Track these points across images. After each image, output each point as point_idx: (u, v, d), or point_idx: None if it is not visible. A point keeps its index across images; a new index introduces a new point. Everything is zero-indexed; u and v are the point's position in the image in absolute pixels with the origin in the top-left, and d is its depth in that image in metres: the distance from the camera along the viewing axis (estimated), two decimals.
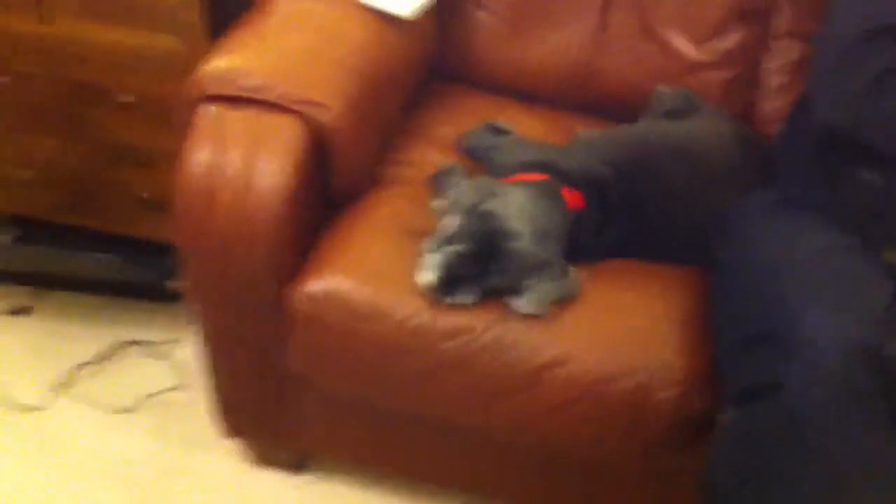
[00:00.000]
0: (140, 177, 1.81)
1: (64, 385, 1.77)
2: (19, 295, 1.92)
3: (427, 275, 1.30)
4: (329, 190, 1.44)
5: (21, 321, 1.89)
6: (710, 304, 1.33)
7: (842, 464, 1.10)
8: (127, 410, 1.73)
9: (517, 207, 1.32)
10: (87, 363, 1.81)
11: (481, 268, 1.29)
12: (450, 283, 1.29)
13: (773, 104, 1.63)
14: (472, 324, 1.30)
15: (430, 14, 1.69)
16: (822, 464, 1.10)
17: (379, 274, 1.35)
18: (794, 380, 1.10)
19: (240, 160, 1.33)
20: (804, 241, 1.24)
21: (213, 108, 1.36)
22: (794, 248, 1.23)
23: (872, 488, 1.09)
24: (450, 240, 1.30)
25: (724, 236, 1.35)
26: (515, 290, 1.30)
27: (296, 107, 1.35)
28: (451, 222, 1.33)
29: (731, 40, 1.63)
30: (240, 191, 1.32)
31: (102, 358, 1.82)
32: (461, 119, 1.67)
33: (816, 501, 1.11)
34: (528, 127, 1.67)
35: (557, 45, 1.70)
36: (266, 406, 1.52)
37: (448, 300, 1.31)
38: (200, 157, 1.34)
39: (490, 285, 1.30)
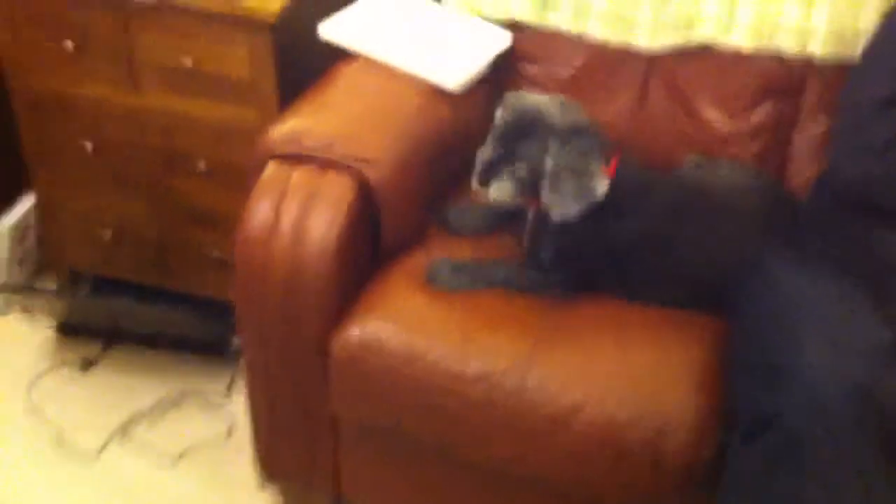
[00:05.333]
0: (212, 237, 2.13)
1: (121, 433, 2.05)
2: (88, 347, 2.24)
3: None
4: (379, 243, 1.71)
5: (84, 375, 2.19)
6: (726, 348, 1.53)
7: (841, 490, 1.28)
8: (177, 458, 2.00)
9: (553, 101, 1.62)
10: (145, 413, 2.09)
11: (508, 144, 1.58)
12: (487, 170, 1.60)
13: (803, 174, 1.84)
14: (497, 367, 1.53)
15: (485, 90, 1.98)
16: (821, 491, 1.28)
17: (415, 320, 1.61)
18: (793, 409, 1.29)
19: (295, 213, 1.61)
20: (816, 288, 1.45)
21: (276, 165, 1.67)
22: (804, 293, 1.44)
23: None
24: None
25: (743, 280, 1.56)
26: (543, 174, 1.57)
27: (350, 163, 1.64)
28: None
29: (762, 114, 1.87)
30: (293, 242, 1.60)
31: (159, 408, 2.11)
32: None
33: None
34: None
35: (601, 119, 1.96)
36: (303, 450, 1.76)
37: (487, 191, 1.61)
38: (261, 209, 1.63)
39: (521, 165, 1.58)
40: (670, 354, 1.55)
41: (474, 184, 1.63)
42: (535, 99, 1.64)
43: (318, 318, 1.62)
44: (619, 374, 1.52)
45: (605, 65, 1.97)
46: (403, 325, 1.60)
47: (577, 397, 1.51)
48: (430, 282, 1.66)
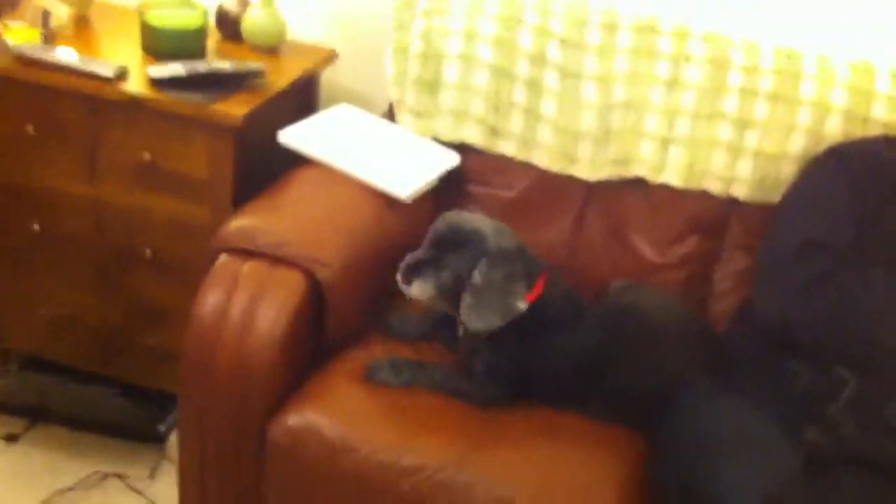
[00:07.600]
0: (149, 326, 2.21)
1: None
2: (11, 423, 2.28)
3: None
4: (322, 338, 1.83)
5: (8, 448, 2.23)
6: (648, 466, 1.68)
7: None
8: None
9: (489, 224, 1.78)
10: (66, 491, 2.13)
11: (440, 252, 1.74)
12: (411, 269, 1.74)
13: (722, 305, 2.04)
14: (430, 462, 1.64)
15: (432, 203, 2.14)
16: None
17: (352, 414, 1.72)
18: None
19: (245, 304, 1.73)
20: (733, 417, 1.63)
21: (228, 258, 1.79)
22: (722, 422, 1.62)
23: None
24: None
25: (667, 403, 1.72)
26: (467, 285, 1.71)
27: (300, 262, 1.77)
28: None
29: (687, 247, 2.08)
30: (241, 330, 1.71)
31: (81, 488, 2.15)
32: None
33: None
34: None
35: (540, 241, 2.14)
36: None
37: (407, 288, 1.74)
38: (212, 297, 1.74)
39: (447, 273, 1.72)
40: (596, 465, 1.69)
41: (398, 278, 1.76)
42: (472, 219, 1.81)
43: (260, 405, 1.72)
44: (546, 481, 1.64)
45: (547, 190, 2.16)
46: (341, 417, 1.71)
47: (504, 499, 1.62)
48: (370, 378, 1.78)
